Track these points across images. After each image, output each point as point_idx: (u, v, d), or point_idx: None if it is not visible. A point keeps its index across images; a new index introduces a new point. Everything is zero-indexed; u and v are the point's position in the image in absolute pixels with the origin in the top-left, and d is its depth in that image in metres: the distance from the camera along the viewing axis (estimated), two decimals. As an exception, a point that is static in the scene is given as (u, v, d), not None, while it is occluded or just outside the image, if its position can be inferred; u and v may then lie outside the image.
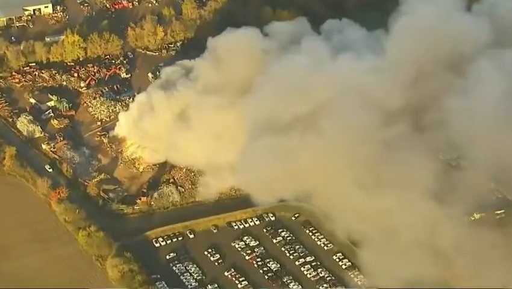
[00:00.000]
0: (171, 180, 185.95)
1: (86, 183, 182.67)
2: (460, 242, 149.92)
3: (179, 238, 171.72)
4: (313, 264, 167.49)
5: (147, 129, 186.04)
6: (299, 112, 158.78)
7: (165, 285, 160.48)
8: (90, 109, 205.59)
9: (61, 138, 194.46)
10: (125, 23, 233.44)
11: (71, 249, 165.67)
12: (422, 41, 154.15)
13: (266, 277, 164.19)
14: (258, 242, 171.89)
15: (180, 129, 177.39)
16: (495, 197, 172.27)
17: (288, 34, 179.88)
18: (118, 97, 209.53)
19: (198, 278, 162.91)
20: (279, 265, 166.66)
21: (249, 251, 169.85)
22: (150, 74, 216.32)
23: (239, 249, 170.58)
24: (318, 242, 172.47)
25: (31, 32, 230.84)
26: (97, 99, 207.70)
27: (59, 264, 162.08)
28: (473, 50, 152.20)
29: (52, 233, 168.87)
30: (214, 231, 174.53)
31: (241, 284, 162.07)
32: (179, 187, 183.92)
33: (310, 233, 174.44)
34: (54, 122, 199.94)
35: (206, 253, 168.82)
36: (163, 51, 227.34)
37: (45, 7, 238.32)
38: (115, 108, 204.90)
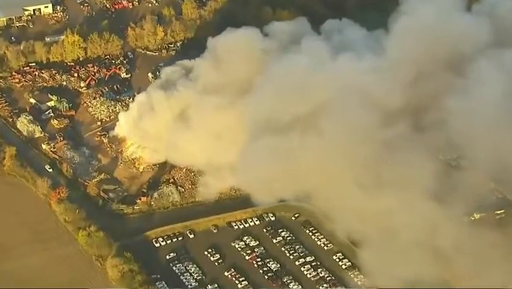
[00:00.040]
0: (171, 180, 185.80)
1: (86, 183, 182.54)
2: (460, 242, 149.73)
3: (179, 238, 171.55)
4: (313, 264, 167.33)
5: (147, 129, 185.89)
6: (299, 112, 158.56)
7: (165, 285, 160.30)
8: (90, 109, 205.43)
9: (61, 138, 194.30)
10: (125, 23, 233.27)
11: (71, 249, 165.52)
12: (422, 41, 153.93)
13: (266, 277, 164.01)
14: (258, 242, 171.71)
15: (180, 129, 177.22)
16: (495, 197, 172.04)
17: (288, 34, 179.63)
18: (118, 97, 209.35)
19: (198, 278, 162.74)
20: (279, 265, 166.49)
21: (249, 251, 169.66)
22: (150, 74, 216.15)
23: (239, 249, 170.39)
24: (318, 242, 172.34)
25: (31, 32, 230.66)
26: (97, 99, 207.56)
27: (59, 264, 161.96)
28: (473, 50, 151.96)
29: (52, 233, 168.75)
30: (214, 231, 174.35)
31: (241, 284, 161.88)
32: (179, 187, 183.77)
33: (310, 233, 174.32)
34: (54, 122, 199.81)
35: (206, 253, 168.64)
36: (163, 51, 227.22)
37: (45, 7, 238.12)
38: (115, 108, 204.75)
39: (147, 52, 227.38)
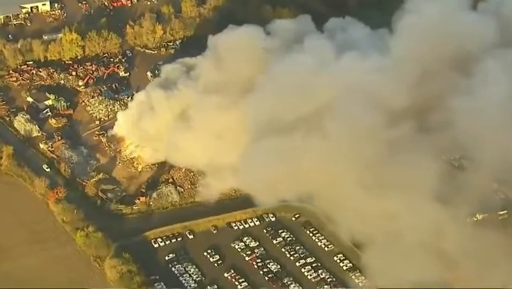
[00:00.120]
0: (170, 180, 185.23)
1: (84, 183, 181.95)
2: (464, 243, 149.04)
3: (179, 239, 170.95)
4: (314, 265, 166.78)
5: (147, 129, 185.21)
6: (302, 112, 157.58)
7: (164, 286, 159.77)
8: (88, 108, 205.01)
9: (59, 138, 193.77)
10: (124, 21, 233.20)
11: (70, 250, 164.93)
12: (427, 40, 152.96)
13: (266, 278, 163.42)
14: (258, 243, 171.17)
15: (181, 129, 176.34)
16: (498, 197, 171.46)
17: (291, 32, 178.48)
18: (116, 96, 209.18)
19: (197, 279, 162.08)
20: (279, 266, 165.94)
21: (249, 252, 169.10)
22: (149, 73, 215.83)
23: (239, 250, 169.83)
24: (319, 243, 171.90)
25: (29, 30, 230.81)
26: (96, 97, 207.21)
27: (57, 264, 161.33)
28: (478, 49, 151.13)
29: (50, 234, 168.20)
30: (214, 232, 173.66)
31: (241, 285, 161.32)
32: (178, 187, 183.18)
33: (311, 234, 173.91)
34: (52, 121, 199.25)
35: (205, 254, 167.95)
36: (162, 49, 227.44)
37: (43, 5, 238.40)
38: (114, 107, 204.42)
39: (146, 51, 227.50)
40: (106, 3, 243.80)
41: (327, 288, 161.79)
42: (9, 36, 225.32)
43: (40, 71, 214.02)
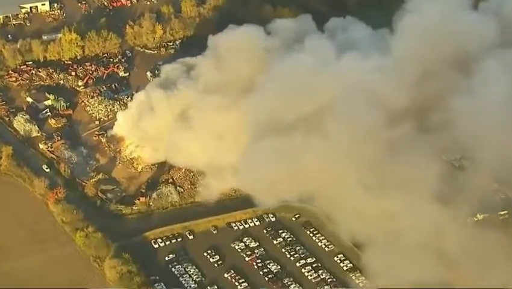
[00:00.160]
0: (170, 180, 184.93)
1: (84, 184, 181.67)
2: (464, 243, 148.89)
3: (178, 239, 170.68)
4: (314, 265, 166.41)
5: (147, 129, 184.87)
6: (302, 112, 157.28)
7: (164, 287, 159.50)
8: (88, 108, 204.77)
9: (59, 138, 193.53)
10: (123, 21, 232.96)
11: (69, 250, 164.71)
12: (428, 40, 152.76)
13: (266, 278, 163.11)
14: (258, 244, 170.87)
15: (180, 129, 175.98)
16: (498, 197, 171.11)
17: (291, 32, 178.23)
18: (116, 96, 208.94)
19: (197, 279, 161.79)
20: (279, 267, 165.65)
21: (249, 253, 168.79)
22: (148, 73, 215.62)
23: (239, 250, 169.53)
24: (319, 244, 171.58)
25: (28, 30, 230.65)
26: (95, 98, 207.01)
27: (57, 265, 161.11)
28: (479, 49, 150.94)
29: (50, 234, 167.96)
30: (214, 232, 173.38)
31: (241, 286, 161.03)
32: (178, 187, 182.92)
33: (311, 234, 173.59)
34: (51, 121, 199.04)
35: (205, 254, 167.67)
36: (162, 49, 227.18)
37: (42, 5, 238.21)
38: (114, 107, 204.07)
39: (146, 51, 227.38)
40: (105, 3, 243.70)
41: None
42: (9, 36, 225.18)
43: (40, 72, 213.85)
